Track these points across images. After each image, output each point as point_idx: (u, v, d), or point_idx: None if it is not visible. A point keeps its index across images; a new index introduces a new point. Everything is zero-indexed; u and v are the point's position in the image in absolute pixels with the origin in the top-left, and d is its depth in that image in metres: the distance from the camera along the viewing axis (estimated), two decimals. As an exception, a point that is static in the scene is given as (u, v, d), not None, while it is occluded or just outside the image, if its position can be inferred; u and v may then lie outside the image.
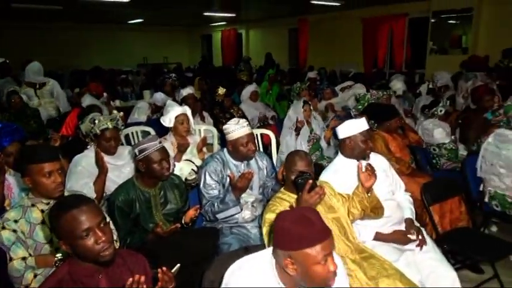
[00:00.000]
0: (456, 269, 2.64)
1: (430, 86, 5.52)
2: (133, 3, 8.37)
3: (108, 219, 1.82)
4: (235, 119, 2.48)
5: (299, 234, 1.30)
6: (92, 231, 1.36)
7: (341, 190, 2.20)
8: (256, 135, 4.00)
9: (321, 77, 8.34)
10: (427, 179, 3.13)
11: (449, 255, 2.61)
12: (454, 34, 8.60)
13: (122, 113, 4.02)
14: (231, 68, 11.37)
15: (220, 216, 2.40)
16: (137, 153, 2.19)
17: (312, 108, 4.10)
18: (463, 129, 4.08)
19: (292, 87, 5.59)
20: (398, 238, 2.25)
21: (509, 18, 7.51)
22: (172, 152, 3.11)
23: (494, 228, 3.53)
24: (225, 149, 2.60)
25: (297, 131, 3.90)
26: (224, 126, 2.49)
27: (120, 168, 2.72)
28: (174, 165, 3.01)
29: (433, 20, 8.59)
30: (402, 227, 2.41)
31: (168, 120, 3.28)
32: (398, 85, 5.40)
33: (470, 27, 8.07)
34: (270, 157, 3.86)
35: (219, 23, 14.62)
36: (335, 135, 2.47)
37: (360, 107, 4.08)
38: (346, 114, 4.89)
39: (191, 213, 2.24)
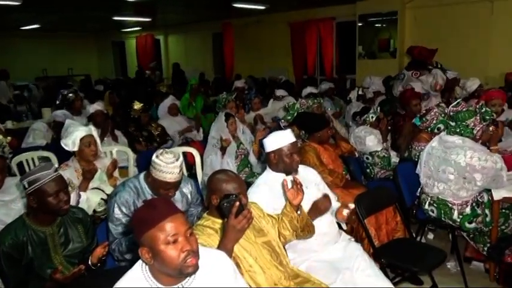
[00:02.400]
0: (396, 282, 2.83)
1: (360, 93, 5.88)
2: (25, 5, 7.84)
3: None
4: (170, 156, 2.26)
5: (142, 217, 1.44)
6: None
7: (271, 209, 2.22)
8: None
9: (249, 86, 8.47)
10: (362, 190, 3.30)
11: (388, 269, 2.76)
12: (381, 38, 9.29)
13: (9, 138, 3.69)
14: (148, 79, 11.13)
15: (129, 257, 2.28)
16: (26, 186, 2.02)
17: (237, 120, 4.14)
18: (394, 135, 4.39)
19: (218, 98, 5.61)
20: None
21: (429, 21, 8.32)
22: (76, 180, 2.94)
23: (430, 236, 3.81)
24: (142, 175, 2.47)
25: (222, 150, 3.91)
26: (155, 159, 2.27)
27: (9, 205, 2.50)
28: (80, 196, 2.84)
29: (360, 24, 9.23)
30: (339, 245, 2.50)
31: (71, 143, 3.09)
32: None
33: (396, 30, 8.80)
34: (195, 178, 3.84)
35: (133, 29, 14.31)
36: (263, 148, 2.51)
37: (289, 117, 4.21)
38: (277, 126, 5.01)
39: (99, 251, 2.10)
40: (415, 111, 4.34)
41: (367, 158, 4.08)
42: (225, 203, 1.80)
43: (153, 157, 2.27)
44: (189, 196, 2.63)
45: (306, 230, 2.15)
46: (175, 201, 2.51)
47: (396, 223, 3.17)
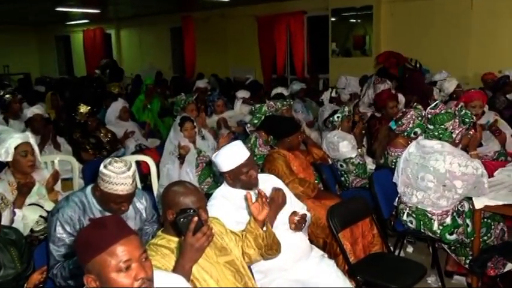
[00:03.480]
0: (374, 300, 2.86)
1: (334, 94, 5.96)
2: None
3: None
4: (120, 165, 2.20)
5: (89, 239, 1.38)
6: None
7: (234, 224, 2.22)
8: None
9: (212, 87, 8.45)
10: (336, 200, 3.34)
11: (364, 286, 2.79)
12: (356, 34, 9.49)
13: None
14: (97, 78, 10.92)
15: (74, 283, 2.20)
16: None
17: (197, 124, 4.14)
18: (369, 140, 4.48)
19: (176, 99, 5.56)
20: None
21: (406, 17, 8.58)
22: (10, 196, 2.83)
23: (410, 249, 3.90)
24: (89, 188, 2.41)
25: (181, 158, 3.88)
26: (103, 169, 2.21)
27: None
28: (14, 214, 2.74)
29: (333, 19, 9.39)
30: (310, 263, 2.51)
31: (3, 153, 2.97)
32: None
33: (371, 26, 9.01)
34: (150, 190, 3.77)
35: (80, 21, 14.01)
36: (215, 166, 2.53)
37: (255, 121, 4.22)
38: (242, 131, 5.02)
39: (36, 277, 2.03)
40: (391, 114, 4.44)
41: (341, 166, 4.14)
42: (181, 218, 1.78)
43: (101, 167, 2.22)
44: (143, 212, 2.59)
45: (273, 248, 2.15)
46: (127, 218, 2.48)
47: (373, 236, 3.21)
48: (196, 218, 1.75)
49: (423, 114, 3.39)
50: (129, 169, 2.21)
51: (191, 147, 4.01)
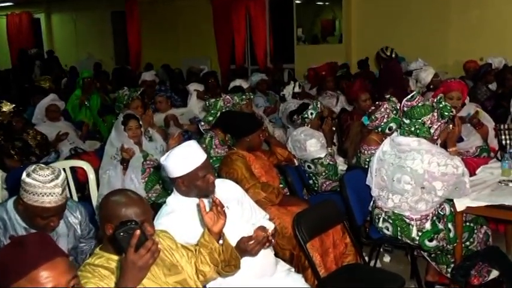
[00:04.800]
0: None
1: (297, 89, 5.97)
2: None
3: None
4: (47, 172, 2.17)
5: (6, 262, 1.35)
6: None
7: (185, 239, 2.19)
8: (64, 170, 3.74)
9: (160, 79, 8.37)
10: (304, 206, 3.35)
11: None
12: (324, 18, 9.63)
13: None
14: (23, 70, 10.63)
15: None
16: None
17: (143, 123, 4.11)
18: (340, 138, 4.53)
19: (118, 95, 5.48)
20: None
21: (379, -1, 8.79)
22: None
23: (387, 258, 3.97)
24: (11, 202, 2.38)
25: (124, 163, 3.83)
26: (25, 178, 2.17)
27: None
28: None
29: (298, 1, 9.49)
30: (276, 278, 2.50)
31: None
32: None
33: (340, 10, 9.14)
34: (89, 201, 3.68)
35: (2, 4, 13.61)
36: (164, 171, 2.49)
37: (210, 118, 4.19)
38: (196, 129, 4.98)
39: None
40: (364, 108, 4.50)
41: (309, 167, 4.16)
42: (121, 232, 1.74)
43: (23, 175, 2.19)
44: (77, 228, 2.56)
45: (231, 264, 2.14)
46: (58, 236, 2.44)
47: (345, 246, 3.25)
48: (138, 232, 1.71)
49: (398, 107, 3.45)
50: (57, 177, 2.17)
51: (136, 149, 3.95)
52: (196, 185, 2.37)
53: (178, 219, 2.35)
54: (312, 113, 4.24)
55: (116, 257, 1.90)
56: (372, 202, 3.35)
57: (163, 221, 2.34)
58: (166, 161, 2.39)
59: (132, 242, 1.70)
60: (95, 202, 3.74)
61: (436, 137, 3.11)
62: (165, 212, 2.42)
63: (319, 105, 4.37)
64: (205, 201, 2.11)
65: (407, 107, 3.18)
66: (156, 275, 1.93)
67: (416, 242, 3.09)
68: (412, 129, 3.10)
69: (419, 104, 3.13)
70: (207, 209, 2.06)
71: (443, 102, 3.19)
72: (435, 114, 3.09)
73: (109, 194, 2.03)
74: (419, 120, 3.08)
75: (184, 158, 2.36)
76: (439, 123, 3.11)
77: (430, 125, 3.07)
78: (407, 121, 3.16)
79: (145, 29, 11.85)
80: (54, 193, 2.17)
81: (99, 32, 12.79)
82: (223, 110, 4.19)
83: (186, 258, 2.10)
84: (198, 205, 2.08)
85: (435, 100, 3.23)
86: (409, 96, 3.24)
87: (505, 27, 7.49)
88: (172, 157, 2.37)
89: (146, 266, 1.74)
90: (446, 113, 3.13)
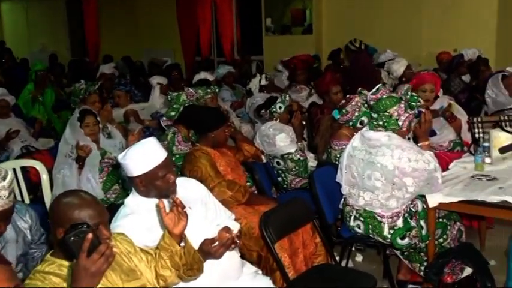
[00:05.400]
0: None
1: (264, 82, 5.97)
2: None
3: None
4: None
5: None
6: None
7: (145, 243, 2.17)
8: (14, 170, 3.67)
9: (120, 72, 8.28)
10: (272, 205, 3.35)
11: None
12: (294, 8, 9.63)
13: None
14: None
15: None
16: None
17: (100, 119, 4.07)
18: (311, 132, 4.55)
19: (74, 88, 5.40)
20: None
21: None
22: None
23: (359, 258, 4.02)
24: None
25: (80, 162, 3.77)
26: None
27: None
28: None
29: (266, -10, 9.49)
30: (242, 282, 2.50)
31: None
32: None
33: (311, -3, 9.18)
34: (42, 204, 3.64)
35: None
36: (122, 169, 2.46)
37: (172, 113, 4.16)
38: (158, 125, 4.94)
39: None
40: (335, 101, 4.53)
41: (278, 163, 4.17)
42: (71, 236, 1.71)
43: None
44: (27, 233, 2.54)
45: (193, 268, 2.13)
46: (6, 242, 2.41)
47: (316, 245, 3.27)
48: (90, 235, 1.68)
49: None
50: (4, 178, 2.13)
51: (93, 147, 3.92)
52: (155, 185, 2.35)
53: (138, 221, 2.33)
54: (280, 107, 4.24)
55: (66, 262, 1.86)
56: (342, 200, 3.38)
57: (121, 224, 2.31)
58: (123, 159, 2.36)
59: (84, 247, 1.68)
60: (48, 204, 3.68)
61: (405, 129, 3.15)
62: (123, 214, 2.40)
63: (287, 99, 4.38)
64: (166, 201, 2.09)
65: (372, 101, 3.21)
66: (113, 281, 1.90)
67: (388, 240, 3.14)
68: (380, 122, 3.13)
69: (384, 96, 3.15)
70: (168, 210, 2.04)
71: (410, 93, 3.21)
72: (402, 105, 3.11)
73: (60, 195, 2.00)
74: (386, 113, 3.10)
75: (143, 156, 2.33)
76: (407, 115, 3.13)
77: (397, 117, 3.10)
78: (374, 115, 3.19)
79: (103, 18, 11.69)
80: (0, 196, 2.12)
81: (53, 21, 12.57)
82: (187, 105, 4.16)
83: (145, 263, 2.08)
84: (158, 206, 2.06)
85: (402, 92, 3.26)
86: (373, 89, 3.26)
87: (478, 18, 7.64)
88: (130, 155, 2.35)
89: (100, 272, 1.71)
90: (414, 104, 3.16)
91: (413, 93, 3.23)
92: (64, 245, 1.77)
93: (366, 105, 3.56)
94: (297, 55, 7.32)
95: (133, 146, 2.43)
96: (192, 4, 10.46)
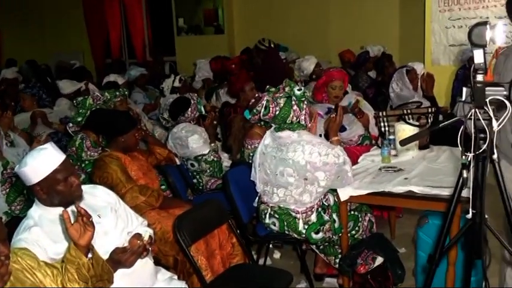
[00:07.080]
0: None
1: (177, 84, 5.89)
2: None
3: None
4: None
5: None
6: None
7: (51, 256, 2.10)
8: None
9: (24, 77, 7.88)
10: (187, 208, 3.30)
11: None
12: (206, 8, 9.60)
13: None
14: None
15: None
16: None
17: (1, 127, 3.89)
18: (224, 133, 4.55)
19: (-29, 95, 5.08)
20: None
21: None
22: None
23: (277, 255, 4.08)
24: None
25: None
26: None
27: None
28: None
29: (175, -11, 9.40)
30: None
31: None
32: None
33: (222, -3, 9.20)
34: None
35: None
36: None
37: (79, 118, 4.02)
38: (65, 130, 4.75)
39: None
40: (251, 98, 4.53)
41: (192, 165, 4.14)
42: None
43: None
44: None
45: (103, 279, 2.07)
46: None
47: (232, 246, 3.27)
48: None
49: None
50: None
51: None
52: (57, 190, 2.24)
53: (41, 233, 2.21)
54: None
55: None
56: (257, 198, 3.40)
57: (23, 237, 2.18)
58: (20, 168, 2.23)
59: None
60: None
61: (309, 124, 3.22)
62: (25, 226, 2.26)
63: (198, 99, 4.35)
64: (70, 211, 2.00)
65: (269, 119, 3.24)
66: (13, 300, 1.80)
67: (304, 236, 3.20)
68: (285, 126, 3.18)
69: (277, 112, 3.15)
70: (72, 221, 1.95)
71: (292, 91, 3.22)
72: (295, 107, 3.15)
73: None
74: (288, 122, 3.16)
75: (39, 162, 2.21)
76: (304, 111, 3.18)
77: (298, 119, 3.16)
78: (278, 125, 3.23)
79: (4, 20, 11.06)
80: None
81: None
82: (94, 109, 4.02)
83: (50, 277, 1.98)
84: (62, 216, 1.97)
85: (282, 93, 3.25)
86: (262, 110, 3.23)
87: (381, 18, 7.98)
88: (25, 163, 2.22)
89: (-3, 292, 1.62)
90: (302, 98, 3.21)
91: (294, 90, 3.23)
92: None
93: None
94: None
95: (28, 153, 2.32)
96: (100, 4, 10.19)
